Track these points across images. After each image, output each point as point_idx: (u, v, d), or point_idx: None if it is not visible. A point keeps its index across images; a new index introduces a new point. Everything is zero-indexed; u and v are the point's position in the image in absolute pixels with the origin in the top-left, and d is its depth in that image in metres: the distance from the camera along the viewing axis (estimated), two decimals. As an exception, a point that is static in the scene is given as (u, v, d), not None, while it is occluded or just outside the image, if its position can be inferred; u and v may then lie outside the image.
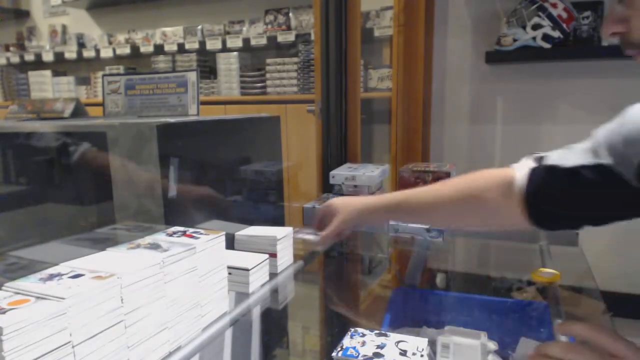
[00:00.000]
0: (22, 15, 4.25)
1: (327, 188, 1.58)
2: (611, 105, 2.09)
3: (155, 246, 0.69)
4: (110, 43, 3.77)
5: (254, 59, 3.26)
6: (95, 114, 1.50)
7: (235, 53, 3.16)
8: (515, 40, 2.04)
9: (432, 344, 0.97)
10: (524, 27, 2.02)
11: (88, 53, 3.73)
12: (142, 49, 3.51)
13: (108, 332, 0.57)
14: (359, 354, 0.63)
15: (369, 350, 0.63)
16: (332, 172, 1.43)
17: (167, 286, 0.66)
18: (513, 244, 1.41)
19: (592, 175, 0.64)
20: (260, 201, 1.35)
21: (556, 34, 1.98)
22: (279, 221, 1.43)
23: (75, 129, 1.18)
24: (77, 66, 4.00)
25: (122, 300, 0.58)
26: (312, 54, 2.77)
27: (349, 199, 1.02)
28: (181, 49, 3.38)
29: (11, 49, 4.16)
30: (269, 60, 3.03)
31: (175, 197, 1.00)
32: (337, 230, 0.99)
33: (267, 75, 3.05)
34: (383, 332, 0.69)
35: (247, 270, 0.91)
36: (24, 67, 4.10)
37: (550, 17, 1.97)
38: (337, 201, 1.02)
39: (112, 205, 1.01)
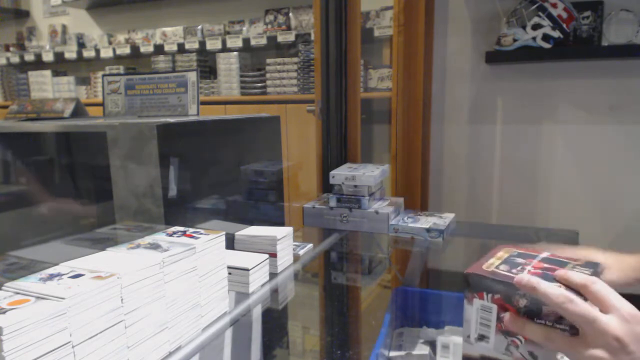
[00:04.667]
0: (22, 15, 4.25)
1: (327, 188, 1.58)
2: (611, 105, 2.09)
3: (155, 246, 0.69)
4: (110, 43, 3.77)
5: (254, 59, 3.26)
6: (95, 114, 1.50)
7: (235, 53, 3.16)
8: (515, 40, 2.04)
9: (432, 344, 0.97)
10: (524, 27, 2.02)
11: (88, 53, 3.73)
12: (142, 49, 3.51)
13: (108, 332, 0.57)
14: None
15: None
16: (332, 172, 1.43)
17: (167, 286, 0.66)
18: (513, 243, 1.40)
19: None
20: (260, 201, 1.35)
21: (556, 34, 1.98)
22: (279, 221, 1.43)
23: (75, 129, 1.18)
24: (77, 66, 4.00)
25: (122, 300, 0.58)
26: (312, 54, 2.77)
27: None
28: (181, 49, 3.38)
29: (11, 49, 4.16)
30: (269, 60, 3.03)
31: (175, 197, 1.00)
32: None
33: (267, 75, 3.05)
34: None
35: (247, 270, 0.91)
36: (24, 67, 4.10)
37: (550, 17, 1.97)
38: None
39: (112, 205, 1.01)
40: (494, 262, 0.62)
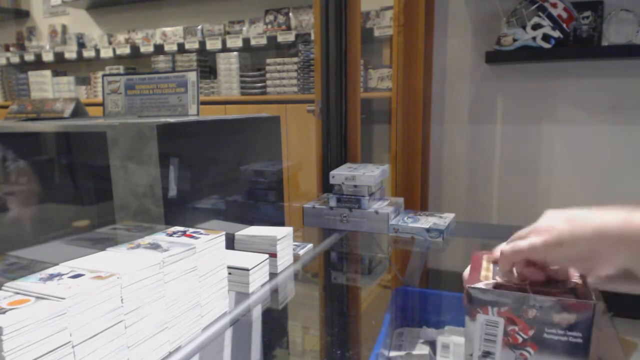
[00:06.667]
0: (22, 15, 4.25)
1: (327, 188, 1.58)
2: (611, 105, 2.09)
3: (155, 246, 0.69)
4: (110, 43, 3.77)
5: (254, 59, 3.26)
6: (95, 114, 1.50)
7: (235, 53, 3.16)
8: (515, 40, 2.04)
9: (432, 344, 0.97)
10: (524, 27, 2.02)
11: (88, 53, 3.73)
12: (142, 49, 3.51)
13: (108, 332, 0.57)
14: None
15: None
16: (332, 172, 1.43)
17: (167, 286, 0.66)
18: (513, 244, 1.40)
19: None
20: (260, 201, 1.35)
21: (556, 34, 1.98)
22: (279, 221, 1.43)
23: (75, 129, 1.18)
24: (77, 66, 4.00)
25: (122, 300, 0.58)
26: (312, 54, 2.77)
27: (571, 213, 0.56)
28: (181, 49, 3.38)
29: (11, 49, 4.16)
30: (269, 60, 3.03)
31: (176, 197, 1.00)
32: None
33: (267, 75, 3.05)
34: None
35: (247, 270, 0.92)
36: (24, 67, 4.10)
37: (550, 17, 1.97)
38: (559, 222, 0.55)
39: (112, 205, 1.01)
40: (487, 274, 0.61)
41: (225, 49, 3.21)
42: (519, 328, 0.55)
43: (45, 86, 3.94)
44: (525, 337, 0.55)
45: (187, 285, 0.71)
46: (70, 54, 3.81)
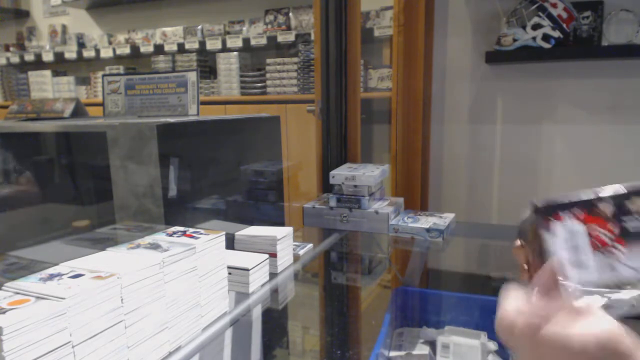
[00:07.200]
0: (22, 15, 4.25)
1: (327, 188, 1.58)
2: (611, 105, 2.09)
3: (155, 246, 0.69)
4: (110, 43, 3.77)
5: (254, 59, 3.26)
6: (95, 114, 1.50)
7: (235, 53, 3.16)
8: (515, 40, 2.04)
9: (432, 344, 0.97)
10: (524, 27, 2.02)
11: (88, 53, 3.73)
12: (142, 49, 3.51)
13: (108, 332, 0.57)
14: None
15: None
16: (332, 172, 1.43)
17: (167, 286, 0.66)
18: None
19: None
20: (260, 201, 1.35)
21: (556, 34, 1.98)
22: (279, 221, 1.43)
23: (75, 129, 1.18)
24: (77, 66, 4.00)
25: (122, 300, 0.58)
26: (312, 54, 2.77)
27: None
28: (181, 49, 3.38)
29: (11, 49, 4.16)
30: (269, 60, 3.03)
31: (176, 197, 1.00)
32: None
33: (267, 75, 3.05)
34: None
35: (247, 270, 0.92)
36: (24, 67, 4.10)
37: (550, 17, 1.97)
38: None
39: (112, 205, 1.01)
40: None
41: (225, 49, 3.21)
42: (601, 228, 0.49)
43: (45, 86, 3.94)
44: (611, 235, 0.50)
45: (187, 285, 0.71)
46: (70, 54, 3.81)
